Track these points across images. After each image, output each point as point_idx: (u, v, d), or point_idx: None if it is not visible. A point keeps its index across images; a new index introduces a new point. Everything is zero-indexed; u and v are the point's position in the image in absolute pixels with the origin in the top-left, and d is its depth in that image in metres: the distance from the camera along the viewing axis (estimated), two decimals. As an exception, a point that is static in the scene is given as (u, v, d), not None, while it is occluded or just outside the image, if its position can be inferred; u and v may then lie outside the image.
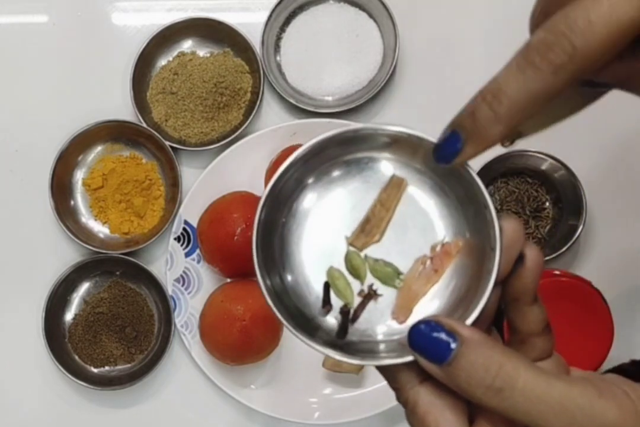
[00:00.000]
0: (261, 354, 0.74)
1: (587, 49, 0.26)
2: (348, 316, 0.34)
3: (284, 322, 0.33)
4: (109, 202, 0.78)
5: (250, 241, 0.34)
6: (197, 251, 0.76)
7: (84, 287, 0.79)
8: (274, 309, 0.33)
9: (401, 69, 0.79)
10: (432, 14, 0.81)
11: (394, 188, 0.35)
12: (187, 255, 0.77)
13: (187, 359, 0.77)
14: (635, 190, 0.79)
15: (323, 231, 0.35)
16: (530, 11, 0.33)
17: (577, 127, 0.79)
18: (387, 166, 0.35)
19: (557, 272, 0.71)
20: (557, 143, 0.76)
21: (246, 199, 0.75)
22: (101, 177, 0.78)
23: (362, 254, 0.35)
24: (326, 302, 0.35)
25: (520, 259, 0.32)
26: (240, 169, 0.77)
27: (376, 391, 0.75)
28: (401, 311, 0.34)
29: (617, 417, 0.28)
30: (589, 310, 0.69)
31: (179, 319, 0.76)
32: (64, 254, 0.78)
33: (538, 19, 0.32)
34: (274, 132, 0.76)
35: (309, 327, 0.34)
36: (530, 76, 0.27)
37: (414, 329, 0.31)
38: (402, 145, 0.34)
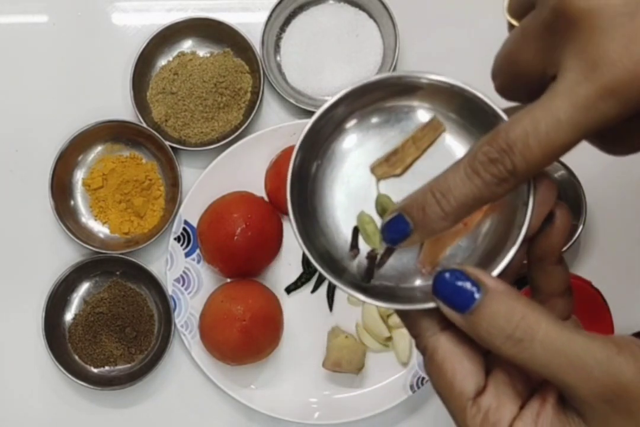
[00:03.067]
0: (261, 354, 0.74)
1: (526, 167, 0.29)
2: (374, 261, 0.35)
3: (313, 261, 0.33)
4: (109, 202, 0.78)
5: (281, 188, 0.34)
6: (197, 251, 0.76)
7: (84, 287, 0.79)
8: (305, 249, 0.33)
9: (401, 69, 0.79)
10: (432, 14, 0.81)
11: (431, 129, 0.35)
12: (187, 255, 0.77)
13: (187, 359, 0.77)
14: (635, 190, 0.79)
15: (357, 175, 0.36)
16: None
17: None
18: (425, 117, 0.35)
19: (557, 272, 0.71)
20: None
21: (246, 199, 0.75)
22: (101, 177, 0.78)
23: (395, 201, 0.35)
24: (354, 246, 0.35)
25: (549, 218, 0.33)
26: (240, 169, 0.77)
27: (376, 391, 0.75)
28: (427, 260, 0.34)
29: (634, 374, 0.28)
30: (589, 310, 0.69)
31: (179, 319, 0.76)
32: (64, 254, 0.78)
33: (502, 66, 0.33)
34: (274, 132, 0.76)
35: (335, 268, 0.34)
36: (476, 184, 0.30)
37: (439, 277, 0.31)
38: (443, 94, 0.34)
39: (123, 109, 0.79)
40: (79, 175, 0.79)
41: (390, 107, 0.35)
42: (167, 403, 0.78)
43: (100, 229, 0.79)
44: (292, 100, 0.76)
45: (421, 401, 0.77)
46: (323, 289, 0.78)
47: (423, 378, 0.74)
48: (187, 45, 0.80)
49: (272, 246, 0.76)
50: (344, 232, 0.35)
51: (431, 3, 0.81)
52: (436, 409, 0.78)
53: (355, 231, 0.35)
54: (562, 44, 0.29)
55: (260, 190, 0.77)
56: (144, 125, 0.76)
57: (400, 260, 0.35)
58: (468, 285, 0.30)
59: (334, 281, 0.33)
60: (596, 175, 0.77)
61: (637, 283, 0.79)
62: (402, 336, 0.75)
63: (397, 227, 0.32)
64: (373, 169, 0.35)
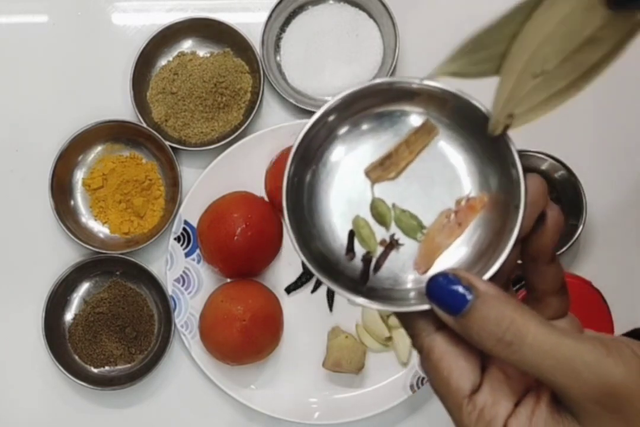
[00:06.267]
0: (261, 354, 0.74)
1: None
2: (370, 264, 0.35)
3: (309, 265, 0.34)
4: (109, 202, 0.78)
5: (281, 188, 0.34)
6: (197, 251, 0.76)
7: (84, 287, 0.79)
8: (301, 254, 0.34)
9: (401, 69, 0.79)
10: (432, 14, 0.81)
11: (424, 133, 0.36)
12: (187, 255, 0.77)
13: (187, 359, 0.77)
14: (635, 190, 0.79)
15: (352, 180, 0.36)
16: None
17: (577, 127, 0.80)
18: (418, 120, 0.36)
19: (557, 272, 0.71)
20: (557, 143, 0.76)
21: (246, 199, 0.75)
22: (101, 177, 0.78)
23: (390, 203, 0.36)
24: (350, 250, 0.36)
25: (541, 218, 0.33)
26: (240, 169, 0.77)
27: (376, 391, 0.75)
28: (423, 262, 0.35)
29: (623, 375, 0.29)
30: (589, 310, 0.69)
31: (179, 319, 0.76)
32: (64, 254, 0.78)
33: None
34: (274, 132, 0.76)
35: (332, 272, 0.35)
36: None
37: (432, 281, 0.32)
38: (435, 99, 0.35)
39: (123, 109, 0.79)
40: (79, 175, 0.79)
41: (383, 112, 0.36)
42: (167, 403, 0.78)
43: (100, 229, 0.79)
44: (292, 100, 0.76)
45: (421, 401, 0.77)
46: (323, 289, 0.78)
47: (423, 378, 0.74)
48: (187, 45, 0.80)
49: (272, 246, 0.76)
50: (340, 236, 0.36)
51: (431, 3, 0.81)
52: (436, 409, 0.78)
53: (351, 235, 0.36)
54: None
55: (260, 191, 0.77)
56: (144, 125, 0.76)
57: (395, 262, 0.35)
58: (460, 289, 0.31)
59: (330, 285, 0.34)
60: (596, 175, 0.77)
61: (637, 283, 0.79)
62: (402, 336, 0.75)
63: None
64: (367, 173, 0.36)
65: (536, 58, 0.31)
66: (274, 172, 0.76)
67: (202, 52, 0.80)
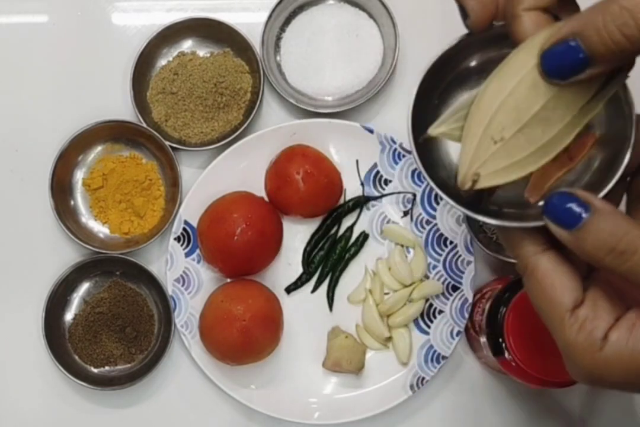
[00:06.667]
0: (261, 354, 0.74)
1: None
2: (484, 190, 0.38)
3: (434, 186, 0.38)
4: (109, 202, 0.78)
5: (408, 116, 0.38)
6: (197, 251, 0.76)
7: (84, 287, 0.79)
8: (429, 180, 0.38)
9: (401, 69, 0.79)
10: (432, 13, 0.81)
11: None
12: (187, 255, 0.77)
13: (187, 359, 0.77)
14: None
15: None
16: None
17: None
18: None
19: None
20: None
21: (246, 199, 0.75)
22: (101, 177, 0.78)
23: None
24: None
25: None
26: (240, 169, 0.77)
27: (376, 391, 0.75)
28: (534, 190, 0.37)
29: None
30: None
31: (179, 319, 0.76)
32: (64, 254, 0.78)
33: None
34: (274, 132, 0.76)
35: (450, 194, 0.38)
36: None
37: (551, 199, 0.34)
38: None
39: (123, 109, 0.79)
40: (79, 175, 0.79)
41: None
42: (167, 403, 0.78)
43: (100, 229, 0.79)
44: (292, 100, 0.76)
45: (421, 401, 0.77)
46: (323, 289, 0.78)
47: (423, 378, 0.74)
48: (187, 45, 0.80)
49: (272, 246, 0.76)
50: (456, 164, 0.38)
51: (431, 3, 0.81)
52: (436, 409, 0.78)
53: None
54: None
55: (260, 191, 0.77)
56: (144, 125, 0.76)
57: (508, 191, 0.38)
58: (577, 205, 0.33)
59: (450, 201, 0.37)
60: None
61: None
62: (402, 336, 0.75)
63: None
64: None
65: (495, 123, 0.34)
66: (274, 172, 0.76)
67: (202, 52, 0.80)
